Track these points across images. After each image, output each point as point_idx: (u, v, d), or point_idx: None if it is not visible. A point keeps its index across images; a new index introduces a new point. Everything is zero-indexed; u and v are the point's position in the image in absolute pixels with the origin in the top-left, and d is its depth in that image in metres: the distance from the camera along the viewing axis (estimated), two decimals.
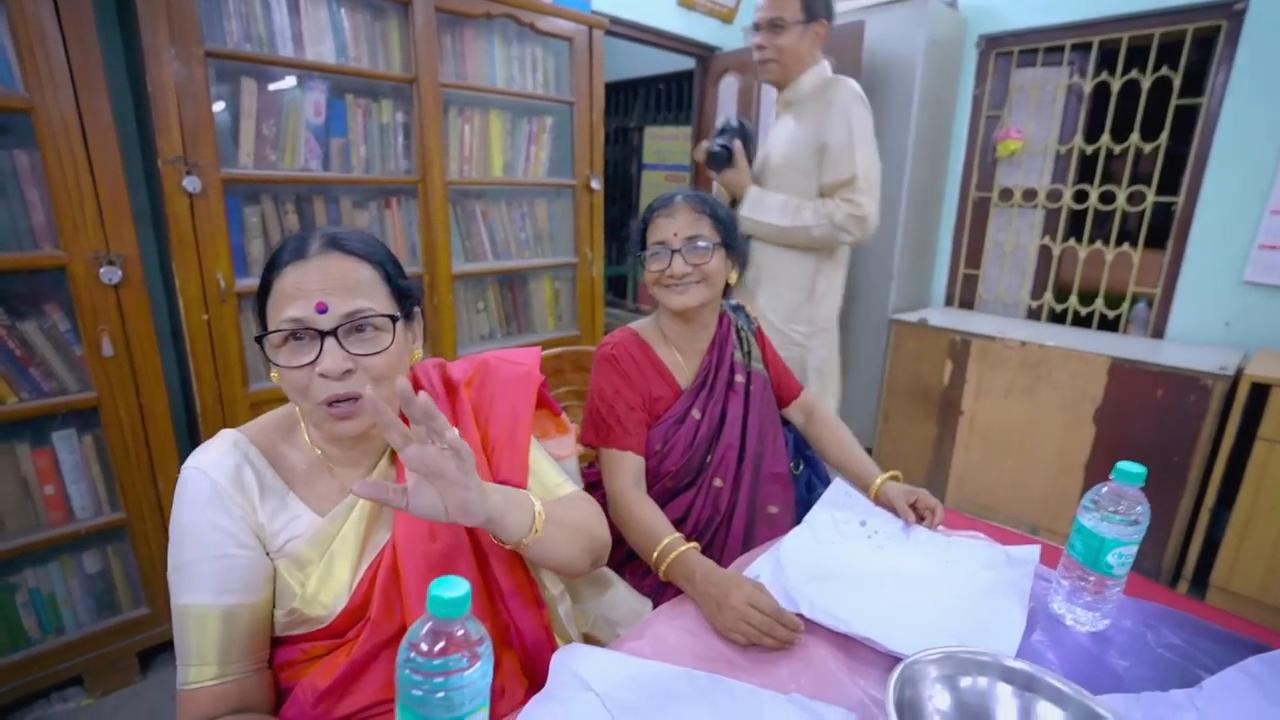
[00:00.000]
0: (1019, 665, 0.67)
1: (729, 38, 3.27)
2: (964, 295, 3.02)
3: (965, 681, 0.67)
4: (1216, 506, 2.04)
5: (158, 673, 1.69)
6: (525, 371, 0.92)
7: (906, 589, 0.88)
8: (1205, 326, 2.40)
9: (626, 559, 1.15)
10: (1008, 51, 2.80)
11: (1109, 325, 2.69)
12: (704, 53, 3.24)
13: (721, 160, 1.84)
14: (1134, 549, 0.81)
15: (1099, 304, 2.68)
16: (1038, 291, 2.86)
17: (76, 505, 1.52)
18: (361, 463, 0.80)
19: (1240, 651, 0.78)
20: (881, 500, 1.12)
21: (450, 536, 0.78)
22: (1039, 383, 2.32)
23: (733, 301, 1.35)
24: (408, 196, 2.03)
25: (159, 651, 1.70)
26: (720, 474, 1.18)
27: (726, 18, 3.24)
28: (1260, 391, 1.90)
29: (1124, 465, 0.80)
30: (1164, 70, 2.43)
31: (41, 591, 1.52)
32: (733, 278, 1.18)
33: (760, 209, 1.82)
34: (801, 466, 1.32)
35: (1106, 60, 2.59)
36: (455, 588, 0.51)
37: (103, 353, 1.45)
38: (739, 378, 1.22)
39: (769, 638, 0.78)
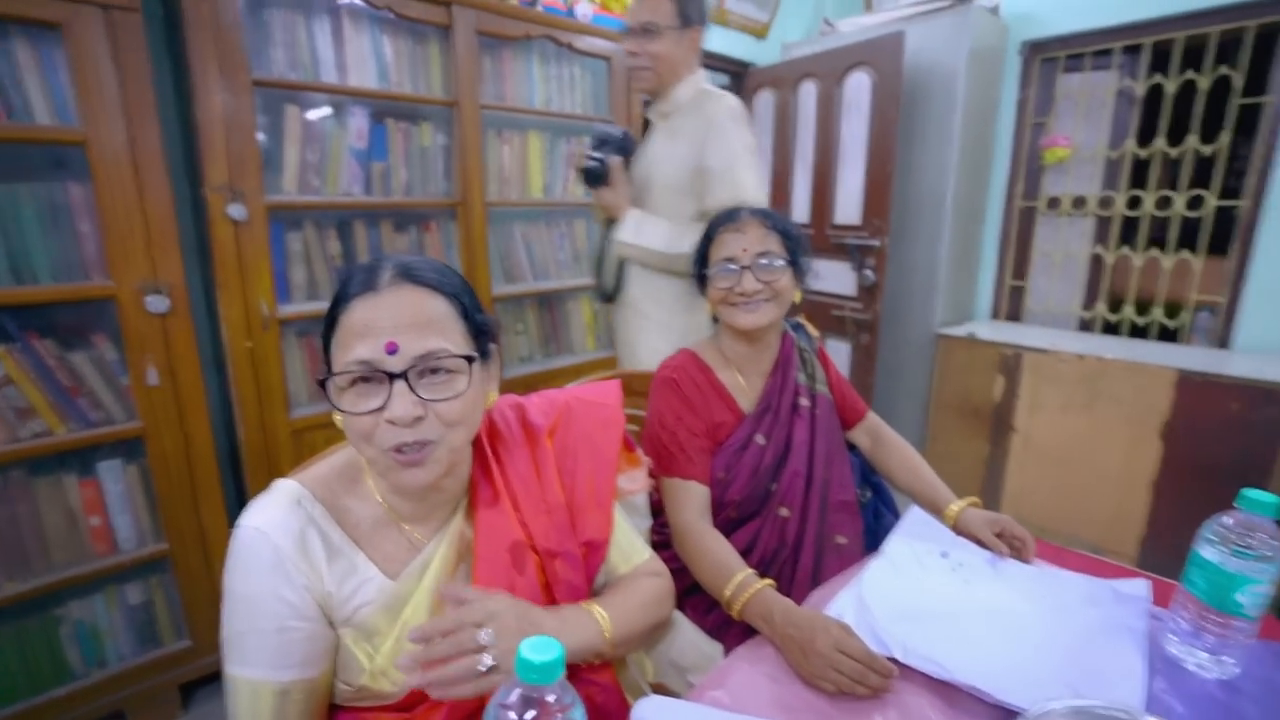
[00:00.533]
0: None
1: (763, 53, 3.24)
2: (1010, 307, 2.92)
3: None
4: None
5: (200, 706, 1.66)
6: (608, 417, 0.85)
7: (1004, 629, 0.81)
8: (1277, 336, 2.28)
9: (688, 593, 1.09)
10: (1052, 57, 2.72)
11: (1168, 336, 2.57)
12: (738, 69, 3.21)
13: (596, 177, 1.63)
14: (1269, 587, 0.73)
15: (1157, 314, 2.56)
16: (1090, 302, 2.75)
17: (121, 536, 1.51)
18: (432, 517, 0.74)
19: None
20: (961, 529, 1.04)
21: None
22: (1099, 397, 2.22)
23: (794, 320, 1.30)
24: (447, 219, 2.01)
25: (201, 685, 1.68)
26: (786, 503, 1.12)
27: (760, 33, 3.21)
28: None
29: (1252, 493, 0.73)
30: (1223, 69, 2.34)
31: (85, 624, 1.50)
32: (797, 296, 1.13)
33: (642, 233, 1.61)
34: (868, 493, 1.26)
35: (1159, 62, 2.49)
36: (547, 650, 0.46)
37: (148, 382, 1.44)
38: (803, 401, 1.16)
39: (861, 686, 0.72)
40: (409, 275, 0.65)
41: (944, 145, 2.65)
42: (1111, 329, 2.69)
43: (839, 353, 2.87)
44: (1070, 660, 0.76)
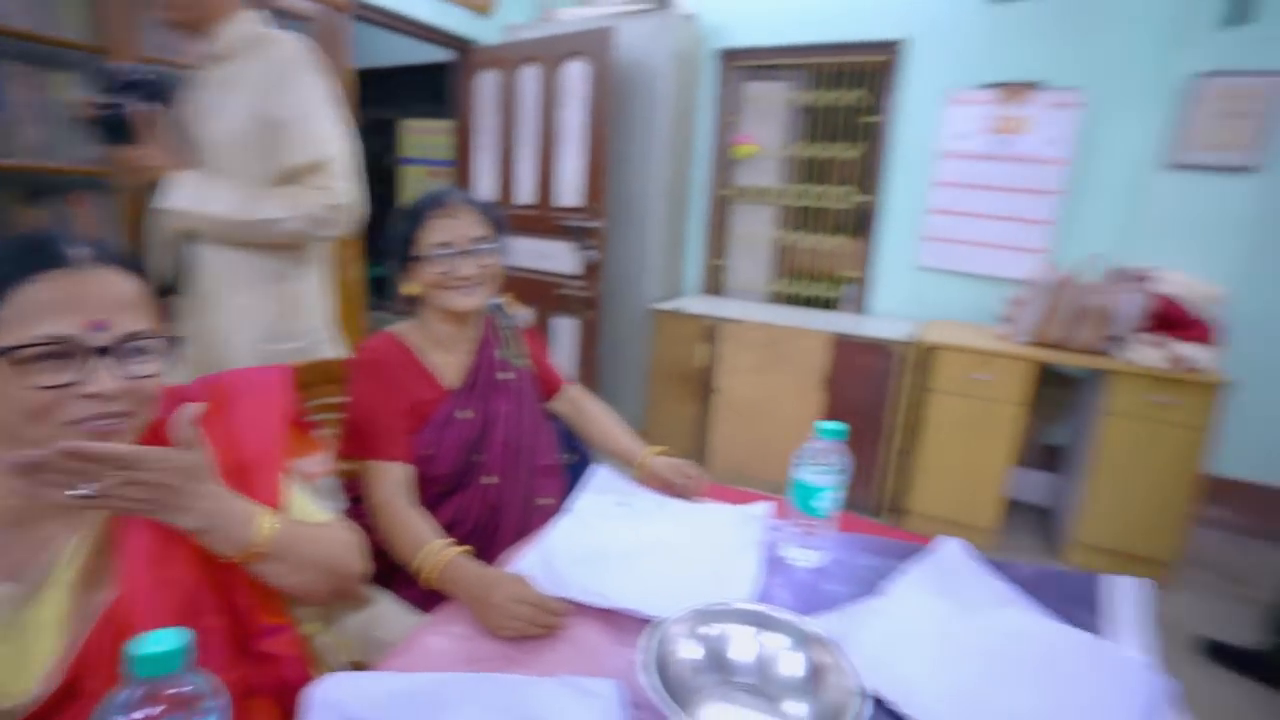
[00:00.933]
0: (748, 607, 0.78)
1: (485, 31, 3.22)
2: (714, 283, 3.36)
3: (708, 629, 0.76)
4: (906, 448, 2.53)
5: None
6: (271, 393, 0.84)
7: (663, 558, 0.97)
8: (894, 303, 2.95)
9: (395, 570, 1.10)
10: (740, 65, 3.14)
11: (828, 305, 3.17)
12: (459, 45, 3.15)
13: (118, 130, 1.28)
14: (837, 494, 0.97)
15: (820, 287, 3.15)
16: (773, 278, 3.28)
17: None
18: (69, 510, 0.67)
19: (913, 556, 0.99)
20: (650, 475, 1.21)
21: (188, 581, 0.69)
22: (777, 358, 2.67)
23: (494, 300, 1.36)
24: (103, 191, 1.70)
25: None
26: (492, 471, 1.19)
27: (482, 9, 3.19)
28: (931, 354, 2.40)
29: (822, 424, 0.97)
30: (857, 92, 2.92)
31: None
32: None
33: (206, 199, 1.33)
34: (574, 457, 1.38)
35: (817, 79, 3.03)
36: (164, 642, 0.46)
37: None
38: (506, 375, 1.24)
39: (536, 627, 0.81)
40: (106, 257, 0.68)
41: (653, 136, 2.92)
42: (790, 300, 3.24)
43: (565, 329, 3.03)
44: (708, 574, 0.93)
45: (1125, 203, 2.55)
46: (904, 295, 2.93)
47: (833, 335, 2.58)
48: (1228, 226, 2.36)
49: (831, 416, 2.62)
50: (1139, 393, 2.21)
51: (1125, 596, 0.93)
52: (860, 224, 3.01)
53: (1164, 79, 2.41)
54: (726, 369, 2.77)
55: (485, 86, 3.15)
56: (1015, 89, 2.66)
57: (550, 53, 2.89)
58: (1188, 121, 2.37)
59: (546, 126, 2.96)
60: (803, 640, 0.74)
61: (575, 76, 2.84)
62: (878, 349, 2.50)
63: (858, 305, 3.05)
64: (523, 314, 1.39)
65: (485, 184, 3.23)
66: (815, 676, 0.72)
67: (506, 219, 1.23)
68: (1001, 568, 0.97)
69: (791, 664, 0.74)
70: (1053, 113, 2.62)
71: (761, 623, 0.77)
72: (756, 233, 3.24)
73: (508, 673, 0.75)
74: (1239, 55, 2.28)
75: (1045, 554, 2.48)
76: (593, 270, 2.87)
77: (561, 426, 1.39)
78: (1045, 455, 2.80)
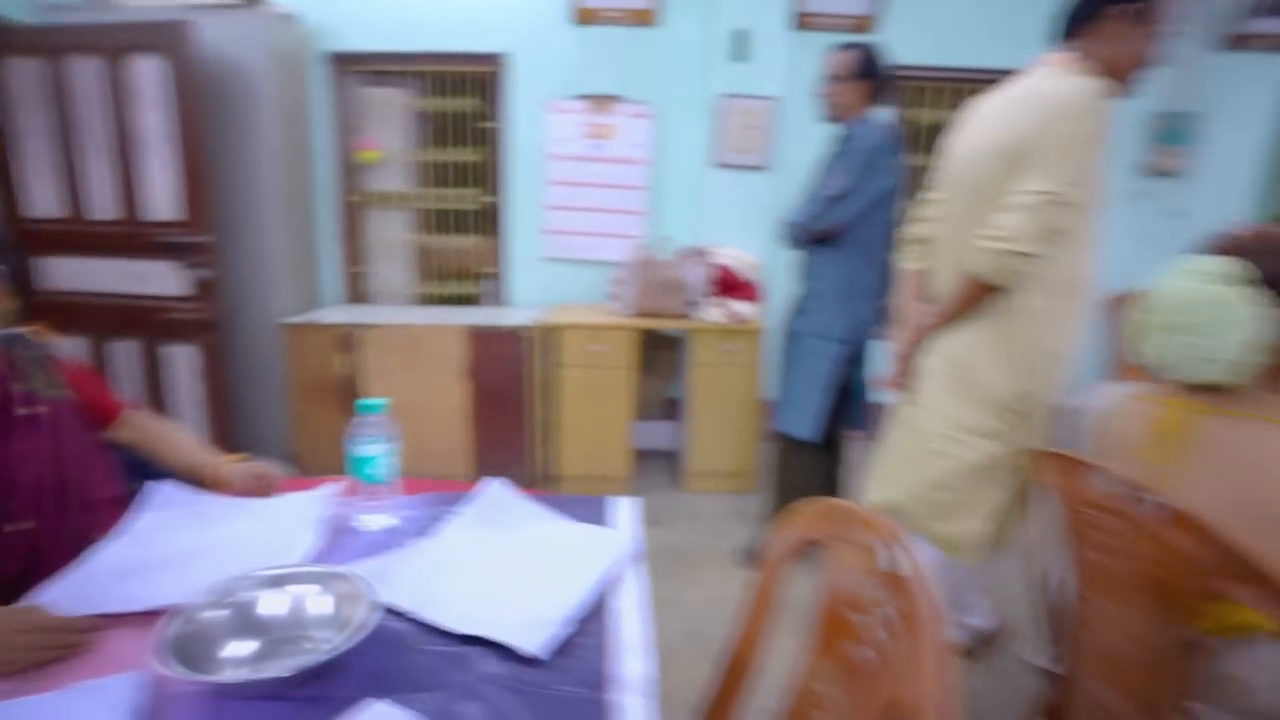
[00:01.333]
0: (274, 571, 0.87)
1: (14, 8, 2.67)
2: (357, 291, 3.31)
3: (237, 598, 0.84)
4: (548, 421, 2.84)
5: None
6: None
7: (222, 554, 1.00)
8: (528, 293, 3.26)
9: None
10: (353, 70, 3.11)
11: (470, 301, 3.36)
12: None
13: None
14: (389, 460, 1.11)
15: (461, 286, 3.32)
16: (416, 280, 3.35)
17: None
18: None
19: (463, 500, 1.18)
20: (224, 482, 1.22)
21: None
22: (420, 357, 2.76)
23: (12, 331, 1.21)
24: None
25: None
26: (25, 516, 1.08)
27: None
28: (555, 335, 2.73)
29: (363, 401, 1.10)
30: (473, 99, 3.12)
31: None
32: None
33: None
34: (142, 483, 1.30)
35: (433, 86, 3.16)
36: None
37: None
38: (33, 409, 1.12)
39: (50, 650, 0.79)
40: None
41: (261, 142, 2.76)
42: (435, 300, 3.35)
43: (181, 357, 2.72)
44: (265, 558, 0.99)
45: (690, 194, 3.18)
46: (534, 285, 3.25)
47: (468, 328, 2.75)
48: (756, 211, 3.11)
49: (477, 404, 2.81)
50: (713, 345, 2.80)
51: (621, 506, 1.24)
52: (489, 222, 3.25)
53: (703, 97, 3.05)
54: (372, 373, 2.77)
55: (23, 78, 2.61)
56: (601, 100, 3.12)
57: (111, 43, 2.53)
58: (721, 131, 3.04)
59: (121, 130, 2.59)
60: (329, 582, 0.86)
61: (149, 73, 2.53)
62: (510, 336, 2.75)
63: (497, 298, 3.29)
64: (57, 343, 1.26)
65: (42, 197, 2.68)
66: (340, 607, 0.84)
67: (7, 238, 1.12)
68: (540, 498, 1.22)
69: (321, 604, 0.85)
70: (633, 121, 3.15)
71: (284, 579, 0.87)
72: (394, 237, 3.28)
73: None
74: (746, 83, 3.00)
75: (671, 488, 3.00)
76: (207, 289, 2.61)
77: (128, 454, 1.30)
78: (669, 408, 3.37)
